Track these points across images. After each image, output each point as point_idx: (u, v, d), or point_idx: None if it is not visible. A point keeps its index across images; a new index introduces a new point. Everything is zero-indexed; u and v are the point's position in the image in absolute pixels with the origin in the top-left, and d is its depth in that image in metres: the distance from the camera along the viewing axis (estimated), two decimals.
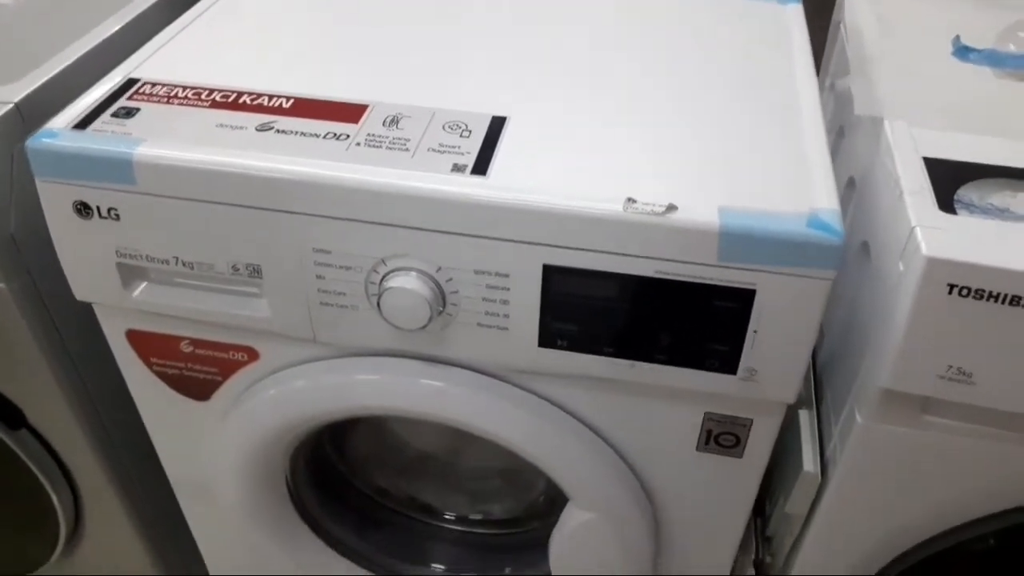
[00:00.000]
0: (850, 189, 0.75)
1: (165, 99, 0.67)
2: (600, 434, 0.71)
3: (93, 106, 0.66)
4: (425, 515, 0.98)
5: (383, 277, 0.63)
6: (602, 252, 0.58)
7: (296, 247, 0.63)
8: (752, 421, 0.67)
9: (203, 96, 0.67)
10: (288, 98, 0.67)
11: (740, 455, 0.70)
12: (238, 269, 0.65)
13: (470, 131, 0.64)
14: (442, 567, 0.95)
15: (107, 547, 0.98)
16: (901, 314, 0.57)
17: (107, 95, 0.67)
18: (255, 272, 0.65)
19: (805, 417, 0.76)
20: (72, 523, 0.94)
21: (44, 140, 0.63)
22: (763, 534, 0.86)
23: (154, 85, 0.68)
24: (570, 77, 0.71)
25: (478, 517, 0.98)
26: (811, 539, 0.75)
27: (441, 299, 0.63)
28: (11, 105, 0.70)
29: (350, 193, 0.59)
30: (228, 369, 0.75)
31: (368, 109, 0.66)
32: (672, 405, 0.67)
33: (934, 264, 0.55)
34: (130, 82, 0.69)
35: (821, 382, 0.78)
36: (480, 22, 0.80)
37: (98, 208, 0.64)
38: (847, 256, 0.71)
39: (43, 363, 0.79)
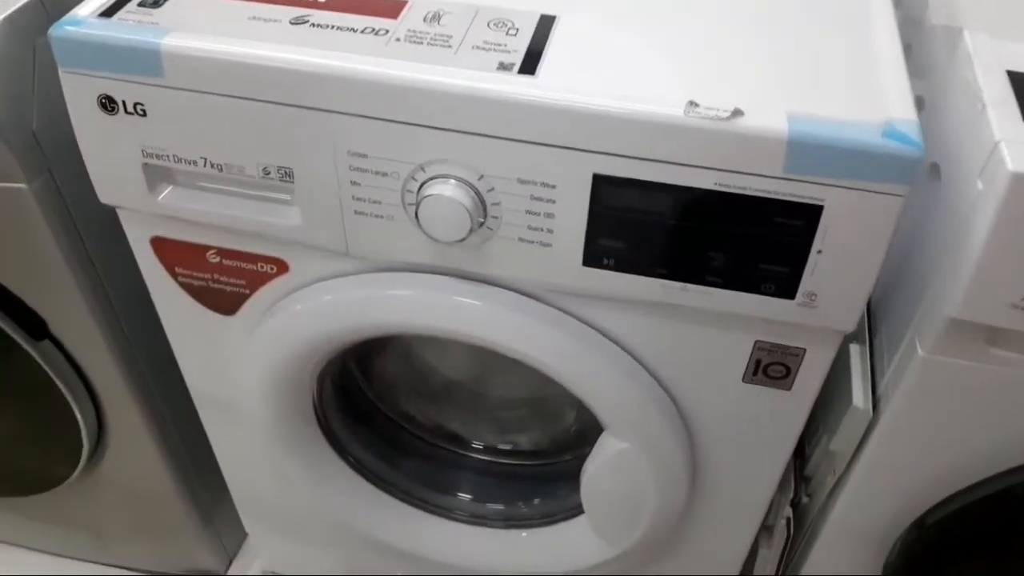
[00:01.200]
0: (917, 108, 0.70)
1: None
2: (641, 361, 0.68)
3: None
4: (453, 444, 0.96)
5: (421, 185, 0.59)
6: (658, 161, 0.54)
7: (331, 149, 0.59)
8: (805, 351, 0.64)
9: None
10: None
11: (789, 387, 0.66)
12: (269, 172, 0.62)
13: (517, 29, 0.60)
14: (469, 496, 0.93)
15: (129, 463, 0.97)
16: (978, 236, 0.53)
17: None
18: (287, 176, 0.62)
19: (856, 351, 0.72)
20: (95, 438, 0.92)
21: (67, 28, 0.59)
22: (802, 474, 0.83)
23: None
24: None
25: (507, 447, 0.95)
26: (855, 479, 0.72)
27: (482, 210, 0.59)
28: None
29: (389, 90, 0.56)
30: (256, 282, 0.72)
31: (408, 4, 0.62)
32: (721, 332, 0.64)
33: (1020, 180, 0.50)
34: None
35: (874, 315, 0.74)
36: None
37: (124, 103, 0.61)
38: None
39: (65, 270, 0.76)
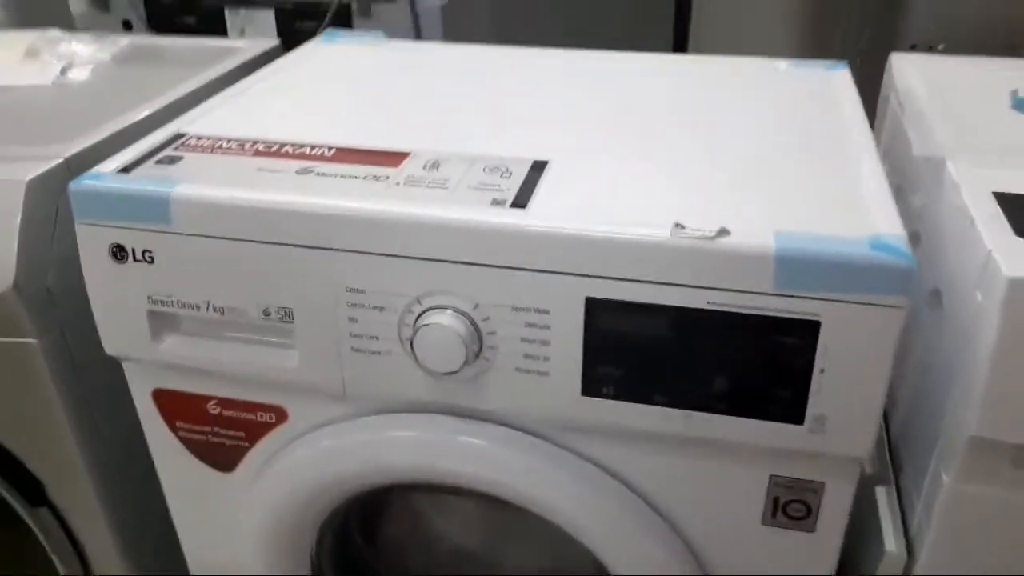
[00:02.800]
0: (913, 244, 0.71)
1: (209, 149, 0.67)
2: (653, 505, 0.64)
3: (139, 155, 0.67)
4: None
5: (417, 317, 0.59)
6: (649, 282, 0.54)
7: (330, 286, 0.60)
8: (824, 485, 0.60)
9: (246, 147, 0.67)
10: (330, 147, 0.67)
11: (812, 528, 0.62)
12: (269, 313, 0.63)
13: (511, 172, 0.62)
14: None
15: None
16: (985, 347, 0.52)
17: (154, 147, 0.68)
18: (286, 317, 0.63)
19: (883, 493, 0.68)
20: None
21: (86, 182, 0.63)
22: None
23: (199, 138, 0.69)
24: (615, 130, 0.71)
25: None
26: None
27: (477, 340, 0.59)
28: (61, 160, 0.71)
29: (387, 226, 0.58)
30: (255, 433, 0.71)
31: (409, 156, 0.65)
32: (734, 467, 0.61)
33: (1016, 285, 0.49)
34: (178, 136, 0.70)
35: (897, 454, 0.70)
36: (521, 79, 0.81)
37: (133, 251, 0.63)
38: (914, 309, 0.65)
39: (67, 431, 0.76)
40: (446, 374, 0.60)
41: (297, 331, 0.63)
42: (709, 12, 1.23)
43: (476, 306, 0.58)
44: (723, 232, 0.53)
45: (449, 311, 0.59)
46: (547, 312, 0.57)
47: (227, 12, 1.33)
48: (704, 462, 0.61)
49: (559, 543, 0.83)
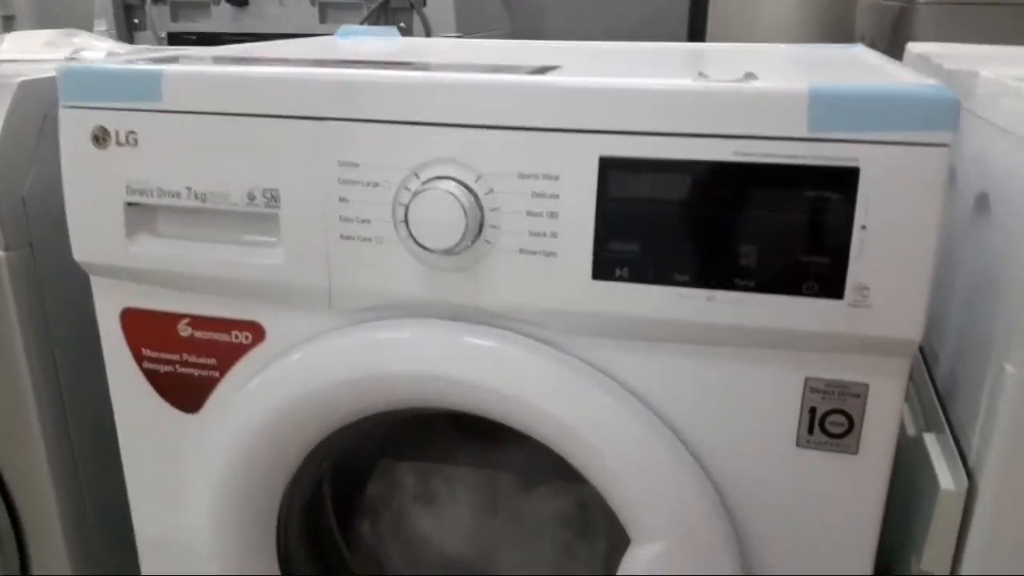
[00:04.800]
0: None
1: (201, 61, 0.65)
2: (673, 427, 0.56)
3: (133, 54, 0.64)
4: None
5: (414, 195, 0.54)
6: (669, 135, 0.50)
7: (320, 162, 0.56)
8: (867, 388, 0.52)
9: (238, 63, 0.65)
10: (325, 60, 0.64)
11: (855, 448, 0.54)
12: (254, 197, 0.58)
13: (519, 68, 0.59)
14: None
15: None
16: None
17: (149, 56, 0.66)
18: (272, 200, 0.58)
19: (932, 439, 0.60)
20: None
21: (76, 64, 0.60)
22: None
23: (194, 57, 0.67)
24: (630, 60, 0.68)
25: None
26: None
27: (479, 214, 0.54)
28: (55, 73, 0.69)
29: (384, 89, 0.54)
30: (228, 358, 0.64)
31: (411, 64, 0.63)
32: (762, 371, 0.54)
33: None
34: (173, 57, 0.68)
35: (946, 405, 0.62)
36: (532, 52, 0.80)
37: (116, 133, 0.59)
38: (959, 217, 0.60)
39: (22, 361, 0.69)
40: (444, 252, 0.54)
41: (283, 217, 0.58)
42: (722, 9, 1.25)
43: (478, 177, 0.53)
44: (750, 76, 0.49)
45: (449, 182, 0.54)
46: (556, 178, 0.52)
47: None
48: (729, 367, 0.54)
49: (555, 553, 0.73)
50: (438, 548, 0.79)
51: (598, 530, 0.75)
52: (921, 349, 0.70)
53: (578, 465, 0.57)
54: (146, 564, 0.73)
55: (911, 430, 0.65)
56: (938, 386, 0.65)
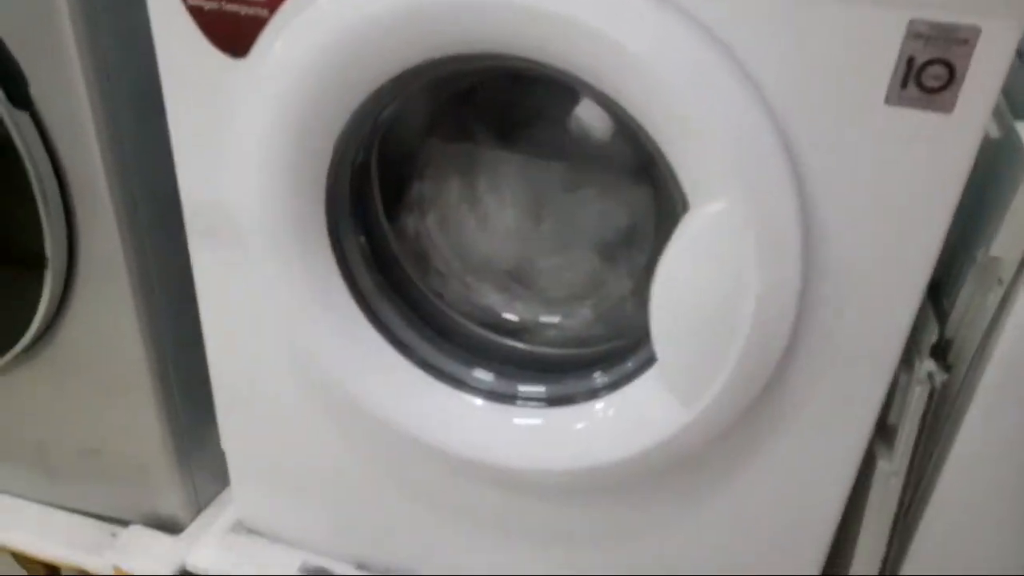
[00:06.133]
0: None
1: None
2: (745, 69, 0.52)
3: None
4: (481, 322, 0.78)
5: None
6: None
7: None
8: (979, 34, 0.48)
9: None
10: None
11: (950, 108, 0.50)
12: None
13: None
14: (504, 375, 0.74)
15: (97, 323, 0.81)
16: None
17: None
18: None
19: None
20: (62, 277, 0.77)
21: None
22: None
23: None
24: None
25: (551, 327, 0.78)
26: None
27: None
28: None
29: None
30: None
31: None
32: (861, 11, 0.49)
33: None
34: None
35: None
36: None
37: None
38: None
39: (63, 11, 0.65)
40: None
41: None
42: None
43: None
44: None
45: None
46: None
47: None
48: (822, 9, 0.49)
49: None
50: (483, 250, 0.78)
51: (641, 242, 0.74)
52: None
53: (639, 114, 0.54)
54: (192, 234, 0.73)
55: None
56: None
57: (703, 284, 0.56)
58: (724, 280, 0.55)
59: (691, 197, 0.55)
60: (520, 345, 0.77)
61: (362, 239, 0.73)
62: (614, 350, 0.71)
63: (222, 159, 0.67)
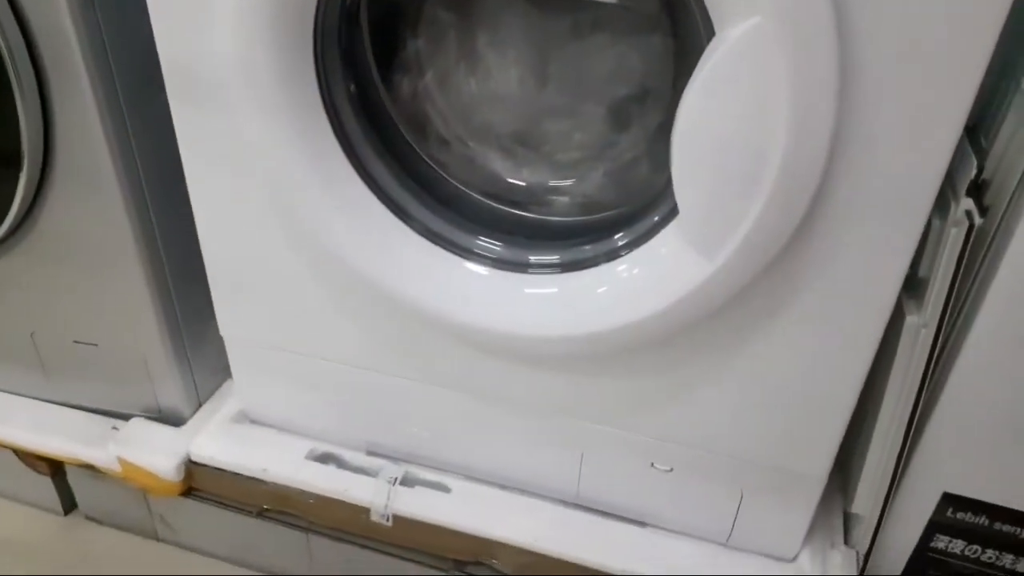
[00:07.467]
0: None
1: None
2: None
3: None
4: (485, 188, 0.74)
5: None
6: None
7: None
8: None
9: None
10: None
11: None
12: None
13: None
14: (512, 241, 0.70)
15: (80, 202, 0.77)
16: None
17: None
18: None
19: None
20: (39, 161, 0.73)
21: None
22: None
23: None
24: None
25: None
26: None
27: None
28: None
29: None
30: None
31: None
32: None
33: None
34: None
35: None
36: None
37: None
38: None
39: None
40: None
41: None
42: None
43: None
44: None
45: None
46: None
47: None
48: None
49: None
50: (485, 111, 0.74)
51: (657, 99, 0.69)
52: None
53: None
54: (174, 99, 0.68)
55: None
56: None
57: (730, 116, 0.52)
58: (753, 110, 0.51)
59: (719, 22, 0.51)
60: (527, 214, 0.73)
61: (354, 92, 0.67)
62: (628, 213, 0.68)
63: (202, 16, 0.62)
